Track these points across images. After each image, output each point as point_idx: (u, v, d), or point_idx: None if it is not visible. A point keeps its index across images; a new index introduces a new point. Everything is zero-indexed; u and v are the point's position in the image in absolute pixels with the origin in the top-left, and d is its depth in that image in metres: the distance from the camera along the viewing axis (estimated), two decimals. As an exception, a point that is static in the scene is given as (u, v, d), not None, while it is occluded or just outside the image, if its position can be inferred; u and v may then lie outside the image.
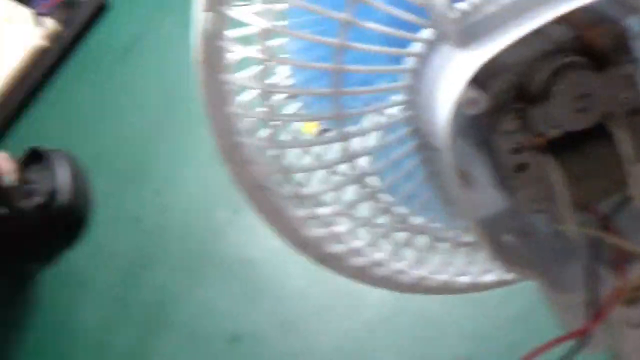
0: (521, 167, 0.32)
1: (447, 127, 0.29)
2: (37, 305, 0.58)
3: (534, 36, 0.29)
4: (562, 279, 0.35)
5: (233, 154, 0.35)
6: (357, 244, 0.37)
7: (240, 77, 0.33)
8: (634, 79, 0.30)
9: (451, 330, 0.54)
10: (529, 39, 0.29)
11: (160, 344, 0.54)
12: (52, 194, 0.56)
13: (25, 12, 0.67)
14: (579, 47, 0.30)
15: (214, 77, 0.33)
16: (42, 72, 0.67)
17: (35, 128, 0.67)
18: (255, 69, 0.33)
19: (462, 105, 0.29)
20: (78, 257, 0.59)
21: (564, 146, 0.32)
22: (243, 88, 0.33)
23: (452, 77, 0.29)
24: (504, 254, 0.33)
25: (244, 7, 0.32)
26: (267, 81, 0.33)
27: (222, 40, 0.31)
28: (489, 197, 0.33)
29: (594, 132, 0.32)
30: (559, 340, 0.34)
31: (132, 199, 0.60)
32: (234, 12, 0.31)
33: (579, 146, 0.32)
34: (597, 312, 0.34)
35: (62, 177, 0.56)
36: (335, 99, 0.32)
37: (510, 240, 0.36)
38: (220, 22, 0.31)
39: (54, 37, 0.68)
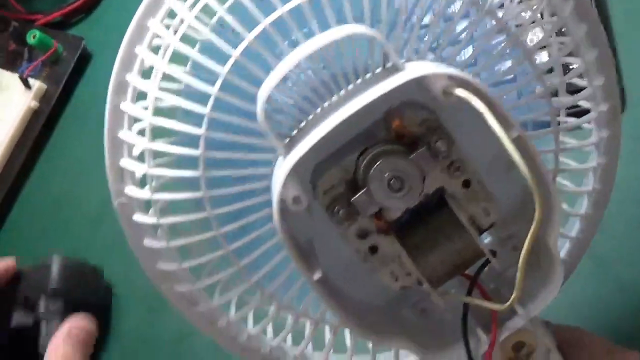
0: (373, 250, 0.34)
1: (278, 223, 0.33)
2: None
3: (347, 135, 0.33)
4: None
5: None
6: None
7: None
8: (444, 156, 0.32)
9: None
10: (341, 140, 0.33)
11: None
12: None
13: (13, 77, 0.72)
14: (391, 137, 0.33)
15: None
16: (38, 131, 0.72)
17: (42, 185, 0.71)
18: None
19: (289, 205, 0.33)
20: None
21: (411, 223, 0.34)
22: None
23: (277, 180, 0.33)
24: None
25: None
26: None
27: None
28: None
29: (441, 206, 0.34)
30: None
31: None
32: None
33: (427, 222, 0.34)
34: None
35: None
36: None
37: (410, 316, 0.38)
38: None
39: (44, 97, 0.72)
